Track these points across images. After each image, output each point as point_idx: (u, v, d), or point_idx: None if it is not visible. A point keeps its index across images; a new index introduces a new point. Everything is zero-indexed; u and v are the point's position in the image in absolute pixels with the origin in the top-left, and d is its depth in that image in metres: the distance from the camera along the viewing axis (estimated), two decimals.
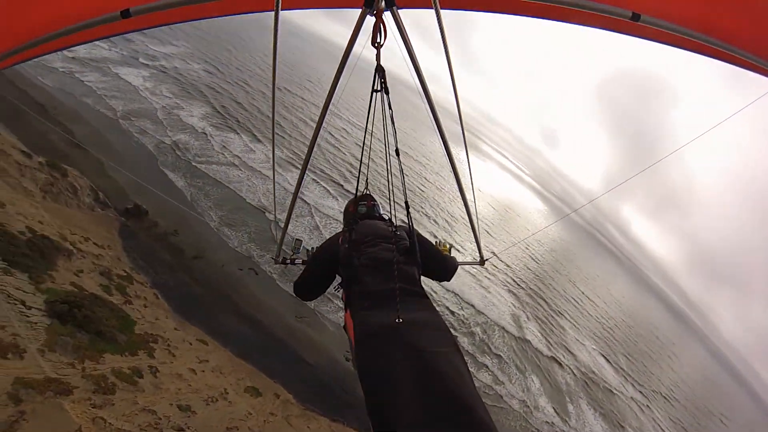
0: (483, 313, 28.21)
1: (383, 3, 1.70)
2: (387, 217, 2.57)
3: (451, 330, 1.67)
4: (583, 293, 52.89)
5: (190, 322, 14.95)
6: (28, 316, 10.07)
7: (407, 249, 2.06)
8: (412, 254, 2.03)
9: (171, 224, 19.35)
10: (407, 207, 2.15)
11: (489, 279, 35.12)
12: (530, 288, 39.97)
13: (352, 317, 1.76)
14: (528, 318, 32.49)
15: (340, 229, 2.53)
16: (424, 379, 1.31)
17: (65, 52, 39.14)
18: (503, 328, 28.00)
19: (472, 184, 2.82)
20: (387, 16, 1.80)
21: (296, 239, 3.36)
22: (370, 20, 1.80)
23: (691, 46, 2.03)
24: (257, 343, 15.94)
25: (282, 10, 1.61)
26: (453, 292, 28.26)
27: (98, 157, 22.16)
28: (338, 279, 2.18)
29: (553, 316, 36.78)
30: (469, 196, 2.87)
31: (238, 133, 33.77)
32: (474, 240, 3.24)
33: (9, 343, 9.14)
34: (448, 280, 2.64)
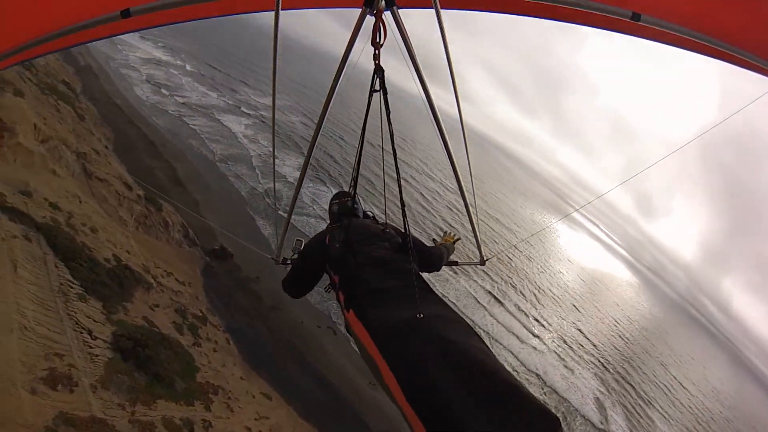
0: (566, 399, 26.67)
1: (383, 3, 1.70)
2: (371, 215, 2.62)
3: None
4: (675, 378, 47.95)
5: (257, 372, 14.53)
6: (90, 347, 9.71)
7: (400, 246, 2.07)
8: (406, 250, 2.04)
9: (254, 270, 18.97)
10: (402, 206, 2.17)
11: (574, 360, 33.37)
12: (617, 371, 37.07)
13: (360, 317, 1.74)
14: (613, 405, 30.06)
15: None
16: (466, 368, 1.32)
17: (176, 96, 42.20)
18: (585, 416, 26.25)
19: (472, 184, 2.81)
20: (387, 16, 1.80)
21: (297, 240, 3.36)
22: (370, 20, 1.80)
23: (692, 46, 2.02)
24: (324, 404, 15.42)
25: (282, 10, 1.61)
26: (536, 373, 27.06)
27: (194, 196, 22.66)
28: (326, 279, 2.20)
29: (641, 405, 33.75)
30: (469, 197, 2.86)
31: (328, 187, 34.23)
32: (474, 241, 3.23)
33: (62, 373, 8.69)
34: (438, 270, 2.71)
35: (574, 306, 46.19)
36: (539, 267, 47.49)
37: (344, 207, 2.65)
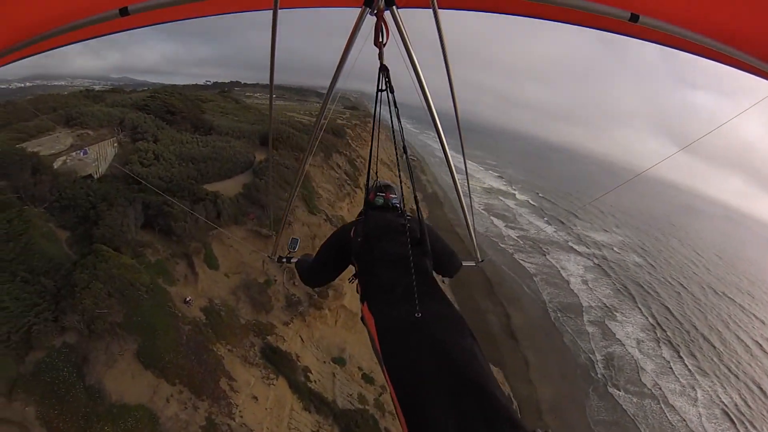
0: None
1: (383, 2, 1.70)
2: (400, 209, 2.59)
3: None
4: None
5: None
6: None
7: (418, 241, 2.10)
8: (422, 246, 2.09)
9: None
10: (416, 201, 2.20)
11: None
12: None
13: (371, 310, 1.82)
14: None
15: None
16: (448, 371, 1.40)
17: (511, 229, 40.25)
18: None
19: (468, 186, 2.82)
20: (387, 16, 1.80)
21: (292, 238, 3.38)
22: (371, 20, 1.80)
23: (691, 47, 2.02)
24: None
25: (280, 9, 1.61)
26: None
27: (525, 354, 20.06)
28: (353, 270, 2.24)
29: None
30: (465, 200, 2.87)
31: (681, 358, 25.51)
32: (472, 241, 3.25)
33: None
34: (451, 277, 2.68)
35: None
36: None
37: (374, 201, 2.56)
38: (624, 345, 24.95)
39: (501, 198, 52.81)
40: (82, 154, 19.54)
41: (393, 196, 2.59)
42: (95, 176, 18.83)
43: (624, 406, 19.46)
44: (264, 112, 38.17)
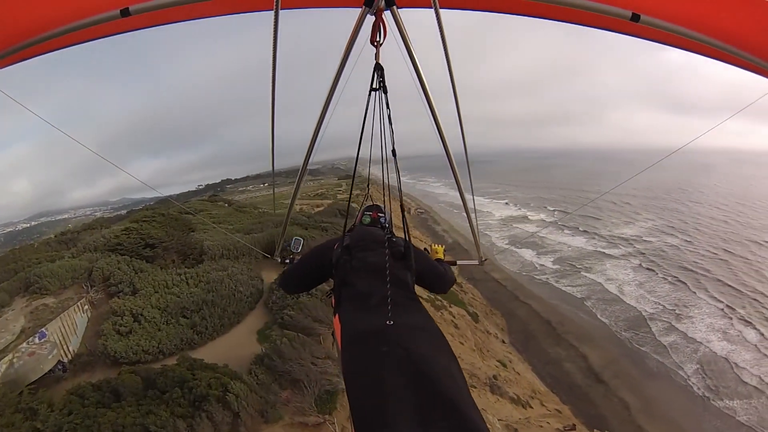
0: None
1: (383, 2, 1.70)
2: (385, 227, 2.55)
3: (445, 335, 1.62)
4: None
5: None
6: None
7: (401, 254, 2.03)
8: (405, 260, 2.00)
9: None
10: (402, 210, 2.15)
11: None
12: None
13: (340, 321, 1.74)
14: None
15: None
16: (414, 383, 1.27)
17: (543, 255, 37.59)
18: None
19: (471, 185, 2.81)
20: (387, 15, 1.80)
21: (295, 238, 3.38)
22: (370, 19, 1.80)
23: (691, 46, 2.03)
24: None
25: (282, 9, 1.61)
26: None
27: (621, 396, 17.57)
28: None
29: None
30: (468, 199, 2.87)
31: (763, 334, 23.34)
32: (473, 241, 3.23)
33: None
34: (445, 292, 2.59)
35: None
36: None
37: (360, 221, 2.58)
38: (707, 345, 22.89)
39: (517, 225, 50.85)
40: (37, 339, 12.77)
41: (381, 215, 2.57)
42: (56, 372, 12.24)
43: (738, 418, 17.58)
44: (258, 206, 35.51)
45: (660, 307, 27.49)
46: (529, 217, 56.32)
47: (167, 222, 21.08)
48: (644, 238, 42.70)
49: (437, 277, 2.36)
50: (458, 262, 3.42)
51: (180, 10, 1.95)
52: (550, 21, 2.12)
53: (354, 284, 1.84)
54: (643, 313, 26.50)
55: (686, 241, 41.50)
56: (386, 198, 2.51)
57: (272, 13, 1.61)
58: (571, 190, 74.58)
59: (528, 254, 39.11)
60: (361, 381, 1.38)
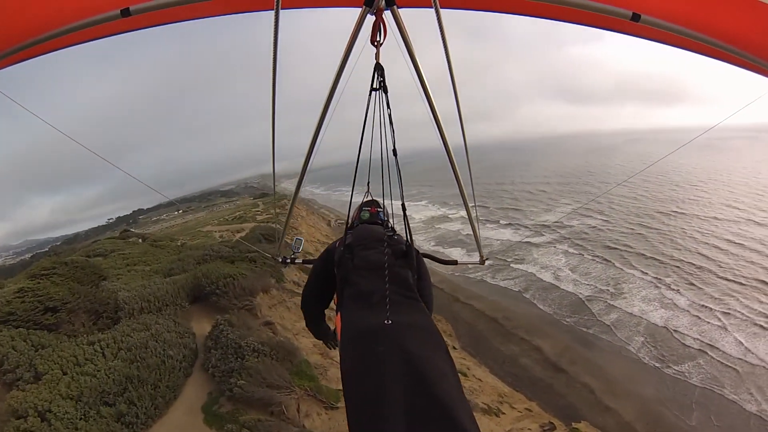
0: None
1: (383, 2, 1.70)
2: (389, 224, 2.55)
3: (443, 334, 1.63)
4: None
5: None
6: None
7: (403, 253, 2.02)
8: (407, 259, 1.99)
9: None
10: (404, 210, 2.14)
11: None
12: None
13: (342, 320, 1.75)
14: None
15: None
16: (409, 384, 1.28)
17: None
18: None
19: (471, 184, 2.81)
20: (387, 15, 1.79)
21: (296, 238, 3.38)
22: (370, 19, 1.80)
23: (692, 46, 2.03)
24: None
25: (282, 9, 1.61)
26: None
27: (584, 381, 17.88)
28: None
29: None
30: (468, 197, 2.86)
31: (691, 299, 24.55)
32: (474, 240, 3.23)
33: None
34: (430, 309, 2.47)
35: None
36: None
37: (359, 217, 2.59)
38: (646, 317, 24.03)
39: (439, 226, 49.71)
40: None
41: (379, 209, 2.59)
42: None
43: (692, 381, 18.45)
44: (174, 237, 33.01)
45: (595, 288, 28.45)
46: (449, 216, 55.02)
47: (71, 274, 16.07)
48: (566, 223, 43.46)
49: (429, 288, 2.33)
50: (459, 261, 3.43)
51: (180, 10, 1.95)
52: (550, 21, 2.12)
53: (355, 283, 1.85)
54: (581, 297, 27.09)
55: (604, 220, 43.38)
56: (384, 197, 2.50)
57: (272, 13, 1.61)
58: (485, 184, 75.69)
59: (457, 253, 38.18)
60: (357, 380, 1.38)
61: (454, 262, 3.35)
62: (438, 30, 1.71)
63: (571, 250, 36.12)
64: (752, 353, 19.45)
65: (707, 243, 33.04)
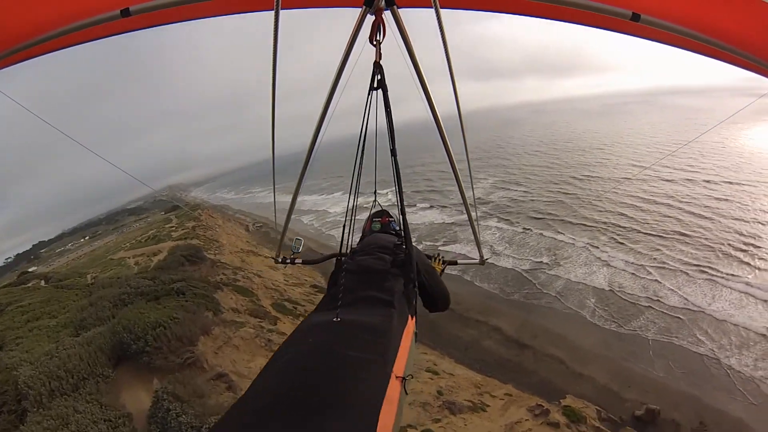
0: None
1: (383, 2, 1.70)
2: (396, 231, 2.52)
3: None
4: None
5: None
6: None
7: (402, 261, 1.93)
8: (405, 268, 1.89)
9: (691, 416, 14.04)
10: (403, 213, 2.10)
11: None
12: None
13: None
14: None
15: None
16: (299, 376, 1.16)
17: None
18: None
19: (471, 184, 2.81)
20: (387, 15, 1.79)
21: (296, 238, 3.37)
22: (370, 19, 1.80)
23: (692, 46, 2.03)
24: None
25: (282, 9, 1.61)
26: None
27: (553, 353, 17.92)
28: None
29: None
30: (468, 197, 2.87)
31: (627, 256, 25.51)
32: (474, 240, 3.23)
33: None
34: (442, 310, 2.39)
35: None
36: None
37: (370, 228, 2.56)
38: (590, 282, 24.45)
39: (359, 217, 51.30)
40: None
41: (391, 219, 2.54)
42: None
43: (648, 335, 19.01)
44: (83, 271, 28.86)
45: (533, 260, 28.27)
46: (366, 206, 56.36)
47: None
48: (489, 198, 43.30)
49: (441, 292, 2.29)
50: (459, 262, 3.42)
51: (180, 11, 1.95)
52: (550, 21, 2.12)
53: (340, 284, 1.76)
54: (521, 271, 26.88)
55: (524, 192, 43.53)
56: (377, 199, 2.47)
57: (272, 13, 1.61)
58: (401, 166, 77.42)
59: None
60: (266, 371, 1.25)
61: (454, 262, 3.33)
62: (438, 30, 1.71)
63: (499, 225, 36.00)
64: (689, 301, 20.58)
65: (624, 203, 34.27)
